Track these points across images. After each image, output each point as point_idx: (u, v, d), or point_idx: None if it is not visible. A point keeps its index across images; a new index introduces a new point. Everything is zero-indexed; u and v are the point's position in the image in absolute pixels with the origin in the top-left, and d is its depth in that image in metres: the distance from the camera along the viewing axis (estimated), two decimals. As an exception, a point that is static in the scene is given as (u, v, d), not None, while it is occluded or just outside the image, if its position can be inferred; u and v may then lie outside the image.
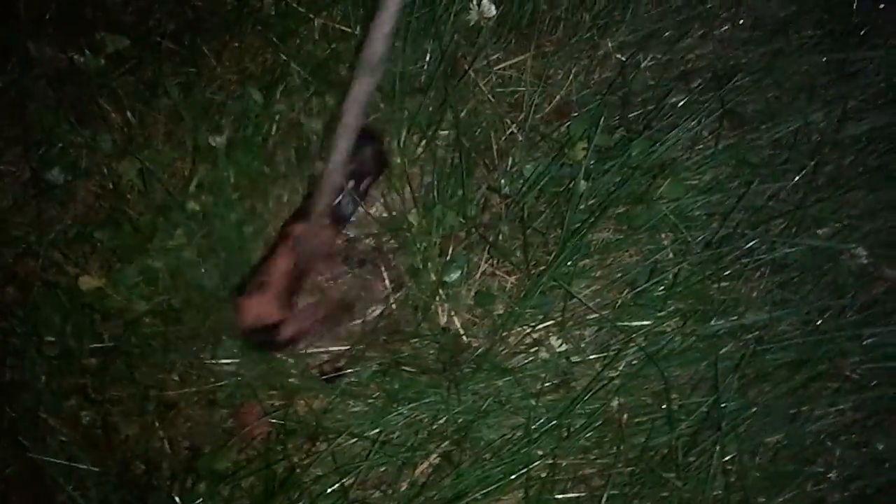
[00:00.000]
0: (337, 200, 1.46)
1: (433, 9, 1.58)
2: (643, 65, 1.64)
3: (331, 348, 1.54)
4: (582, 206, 1.53)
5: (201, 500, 1.35)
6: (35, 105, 1.64)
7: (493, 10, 1.56)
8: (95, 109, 1.62)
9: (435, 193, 1.56)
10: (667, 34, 1.66)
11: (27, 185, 1.60)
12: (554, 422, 1.39)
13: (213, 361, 1.46)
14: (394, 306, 1.56)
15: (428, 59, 1.60)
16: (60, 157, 1.58)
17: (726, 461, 1.40)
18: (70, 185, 1.59)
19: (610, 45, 1.66)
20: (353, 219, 1.54)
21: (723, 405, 1.38)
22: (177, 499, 1.35)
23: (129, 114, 1.60)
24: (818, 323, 1.47)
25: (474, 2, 1.56)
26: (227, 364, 1.48)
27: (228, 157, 1.55)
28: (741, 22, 1.69)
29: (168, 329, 1.47)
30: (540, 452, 1.40)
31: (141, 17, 1.67)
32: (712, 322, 1.46)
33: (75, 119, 1.60)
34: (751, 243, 1.49)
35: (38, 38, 1.68)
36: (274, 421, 1.45)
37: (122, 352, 1.47)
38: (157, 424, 1.45)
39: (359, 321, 1.56)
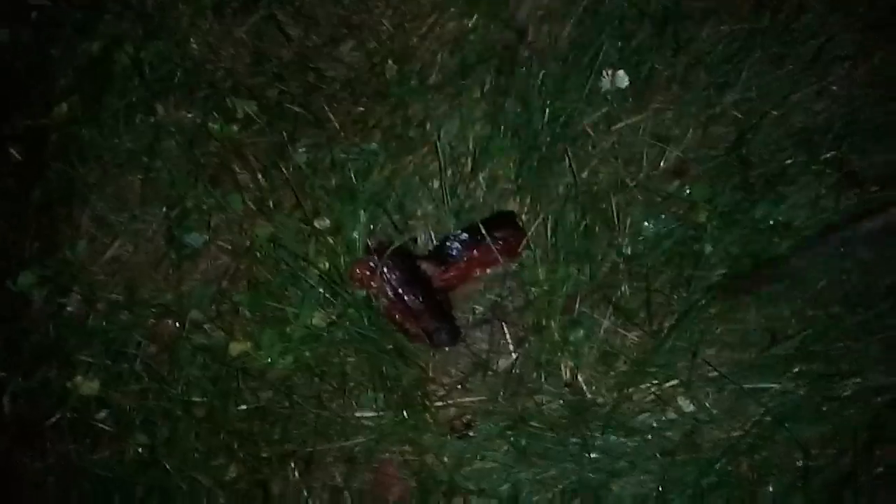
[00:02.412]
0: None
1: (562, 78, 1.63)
2: (760, 122, 1.65)
3: (459, 400, 1.58)
4: (703, 266, 1.56)
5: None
6: (166, 167, 1.70)
7: (626, 81, 1.60)
8: (225, 171, 1.67)
9: (558, 252, 1.59)
10: (783, 91, 1.68)
11: (163, 246, 1.66)
12: (688, 483, 1.43)
13: (353, 415, 1.53)
14: (517, 362, 1.60)
15: (546, 120, 1.64)
16: (198, 220, 1.63)
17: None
18: (206, 246, 1.64)
19: (726, 101, 1.68)
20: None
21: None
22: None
23: (259, 176, 1.65)
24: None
25: (608, 72, 1.60)
26: (366, 419, 1.53)
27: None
28: (857, 80, 1.70)
29: (311, 386, 1.54)
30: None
31: (267, 80, 1.72)
32: (838, 384, 1.49)
33: (208, 181, 1.65)
34: (871, 311, 1.51)
35: (165, 100, 1.74)
36: (407, 477, 1.51)
37: (266, 410, 1.53)
38: (301, 482, 1.51)
39: (484, 375, 1.61)
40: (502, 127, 1.64)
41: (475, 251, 1.58)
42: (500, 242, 1.58)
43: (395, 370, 1.53)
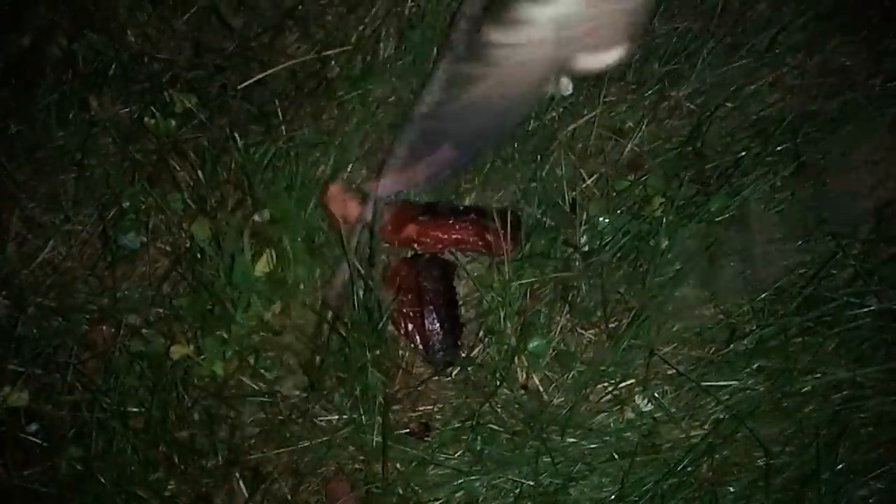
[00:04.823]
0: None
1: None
2: (714, 114, 1.63)
3: (415, 406, 1.53)
4: (659, 261, 1.52)
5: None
6: (101, 164, 1.62)
7: (570, 89, 1.56)
8: (164, 169, 1.60)
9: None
10: (737, 83, 1.66)
11: (98, 248, 1.58)
12: (648, 486, 1.40)
13: (307, 420, 1.48)
14: (469, 368, 1.55)
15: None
16: (134, 220, 1.55)
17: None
18: (143, 247, 1.56)
19: (680, 94, 1.66)
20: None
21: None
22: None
23: (199, 173, 1.58)
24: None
25: (552, 78, 1.55)
26: (321, 421, 1.48)
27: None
28: (810, 70, 1.69)
29: (256, 391, 1.48)
30: (633, 518, 1.40)
31: (208, 73, 1.65)
32: (798, 380, 1.47)
33: (146, 179, 1.57)
34: (828, 305, 1.49)
35: (99, 95, 1.66)
36: (358, 487, 1.44)
37: (209, 419, 1.46)
38: (245, 494, 1.44)
39: (438, 379, 1.56)
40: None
41: (470, 227, 1.55)
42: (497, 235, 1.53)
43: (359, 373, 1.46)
